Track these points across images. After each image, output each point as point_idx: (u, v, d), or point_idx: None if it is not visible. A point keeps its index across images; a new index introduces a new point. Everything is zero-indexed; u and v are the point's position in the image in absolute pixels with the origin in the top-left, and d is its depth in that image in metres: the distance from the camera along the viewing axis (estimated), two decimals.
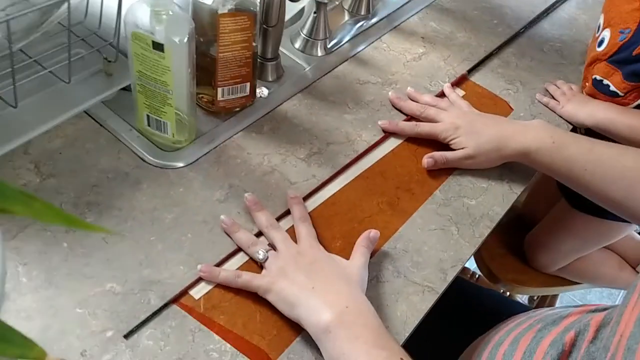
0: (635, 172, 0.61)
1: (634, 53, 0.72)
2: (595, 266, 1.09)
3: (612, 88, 0.76)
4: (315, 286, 0.51)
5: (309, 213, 0.61)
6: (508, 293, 1.12)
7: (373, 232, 0.58)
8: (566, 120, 0.80)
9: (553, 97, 0.82)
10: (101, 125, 0.65)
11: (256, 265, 0.56)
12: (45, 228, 0.55)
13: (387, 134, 0.72)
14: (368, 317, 0.49)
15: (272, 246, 0.57)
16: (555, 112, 0.80)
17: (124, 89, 0.67)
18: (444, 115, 0.71)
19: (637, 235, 1.18)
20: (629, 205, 0.62)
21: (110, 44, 0.67)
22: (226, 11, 0.60)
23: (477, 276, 1.22)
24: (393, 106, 0.75)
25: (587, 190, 0.65)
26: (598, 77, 0.78)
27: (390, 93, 0.76)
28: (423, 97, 0.76)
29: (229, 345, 0.51)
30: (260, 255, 0.55)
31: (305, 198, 0.63)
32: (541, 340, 0.53)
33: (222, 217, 0.58)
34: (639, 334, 0.38)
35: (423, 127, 0.71)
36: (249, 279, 0.54)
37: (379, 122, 0.72)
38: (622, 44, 0.74)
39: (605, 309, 0.55)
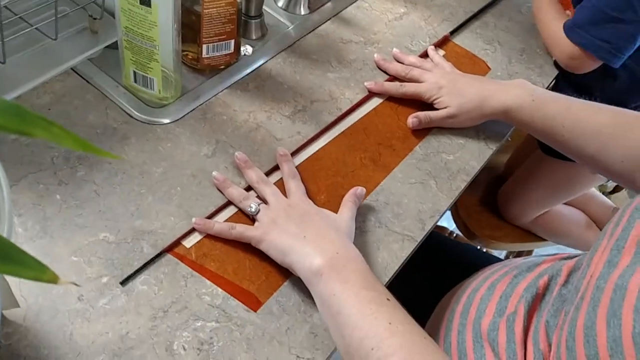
0: (609, 128, 0.64)
1: None
2: (565, 223, 1.14)
3: None
4: (306, 235, 0.54)
5: (296, 167, 0.63)
6: (485, 249, 1.17)
7: (360, 189, 0.61)
8: None
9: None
10: (88, 82, 0.66)
11: (246, 218, 0.59)
12: (37, 181, 0.57)
13: (370, 93, 0.74)
14: (357, 262, 0.52)
15: (263, 200, 0.59)
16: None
17: (109, 46, 0.67)
18: (427, 75, 0.73)
19: (605, 197, 1.23)
20: (602, 159, 0.65)
21: (94, 2, 0.68)
22: None
23: (454, 235, 1.27)
24: (378, 67, 0.77)
25: (565, 146, 0.68)
26: None
27: (375, 55, 0.78)
28: (408, 58, 0.78)
29: (220, 289, 0.54)
30: (253, 209, 0.57)
31: (292, 154, 0.65)
32: (516, 285, 0.57)
33: (214, 173, 0.60)
34: (607, 274, 0.41)
35: (408, 88, 0.73)
36: (242, 230, 0.56)
37: (365, 83, 0.74)
38: None
39: (576, 256, 0.59)
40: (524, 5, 0.94)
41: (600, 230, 1.19)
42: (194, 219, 0.56)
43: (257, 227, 0.56)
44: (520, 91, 0.69)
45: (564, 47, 0.81)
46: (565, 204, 1.14)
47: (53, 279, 0.28)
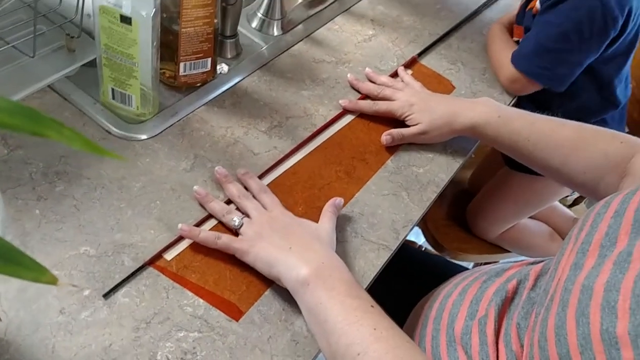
0: (572, 142, 0.68)
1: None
2: (530, 236, 1.19)
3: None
4: (292, 246, 0.55)
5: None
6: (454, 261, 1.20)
7: (338, 200, 0.63)
8: None
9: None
10: (66, 99, 0.66)
11: (229, 232, 0.59)
12: (16, 197, 0.57)
13: (344, 110, 0.76)
14: (342, 271, 0.54)
15: (245, 214, 0.60)
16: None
17: (86, 64, 0.68)
18: (399, 94, 0.77)
19: (567, 209, 1.29)
20: (566, 171, 0.68)
21: (71, 21, 0.69)
22: None
23: (424, 249, 1.30)
24: (352, 87, 0.80)
25: (530, 160, 0.71)
26: None
27: (348, 75, 0.81)
28: (380, 78, 0.81)
29: (201, 300, 0.54)
30: (236, 222, 0.58)
31: (269, 168, 0.66)
32: (486, 290, 0.59)
33: (195, 187, 0.61)
34: (574, 276, 0.44)
35: (380, 105, 0.76)
36: (228, 241, 0.57)
37: (340, 102, 0.77)
38: None
39: (542, 261, 0.62)
40: (485, 28, 0.99)
41: (563, 240, 1.24)
42: (180, 225, 0.57)
43: (243, 239, 0.57)
44: (487, 108, 0.72)
45: (506, 72, 0.87)
46: (530, 217, 1.19)
47: (52, 281, 0.29)
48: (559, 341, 0.41)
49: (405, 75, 0.83)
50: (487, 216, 1.12)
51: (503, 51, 0.90)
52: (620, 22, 0.81)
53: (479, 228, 1.13)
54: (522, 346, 0.51)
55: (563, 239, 1.24)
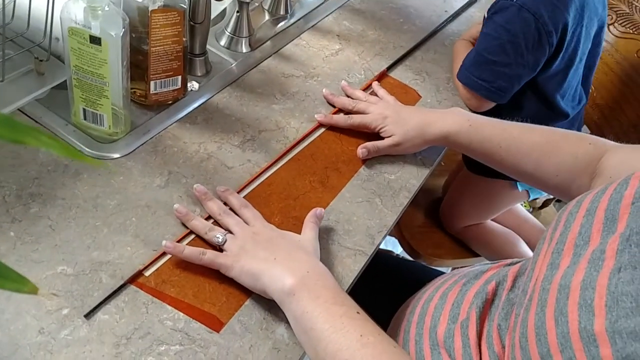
0: (542, 146, 0.70)
1: None
2: (491, 237, 1.21)
3: None
4: (276, 257, 0.56)
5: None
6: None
7: (319, 210, 0.64)
8: None
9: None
10: (37, 122, 0.66)
11: (208, 247, 0.60)
12: None
13: (318, 124, 0.78)
14: (327, 279, 0.55)
15: (228, 231, 0.61)
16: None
17: (56, 87, 0.68)
18: (373, 107, 0.79)
19: (538, 221, 1.31)
20: (539, 175, 0.70)
21: (39, 45, 0.69)
22: (157, 7, 0.64)
23: (401, 257, 1.32)
24: (327, 101, 0.82)
25: (502, 165, 0.73)
26: None
27: (324, 90, 0.83)
28: (355, 92, 0.83)
29: (181, 314, 0.55)
30: (220, 239, 0.59)
31: (248, 184, 0.67)
32: (466, 293, 0.60)
33: (176, 206, 0.62)
34: (551, 276, 0.44)
35: (355, 119, 0.78)
36: (212, 257, 0.57)
37: (316, 116, 0.78)
38: None
39: (519, 262, 0.63)
40: (447, 39, 1.03)
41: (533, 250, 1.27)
42: (164, 242, 0.57)
43: (227, 255, 0.58)
44: (458, 117, 0.74)
45: (461, 90, 0.90)
46: (501, 224, 1.22)
47: (33, 290, 0.30)
48: (539, 341, 0.41)
49: (380, 89, 0.86)
50: (451, 211, 1.18)
51: None
52: (555, 38, 0.84)
53: (448, 223, 1.18)
54: (503, 347, 0.51)
55: (532, 249, 1.27)
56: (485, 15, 0.90)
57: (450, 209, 1.18)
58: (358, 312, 0.52)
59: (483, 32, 0.88)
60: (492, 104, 0.90)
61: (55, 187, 0.61)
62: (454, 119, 0.75)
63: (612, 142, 0.67)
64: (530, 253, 1.21)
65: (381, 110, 0.78)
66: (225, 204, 0.64)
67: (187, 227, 0.61)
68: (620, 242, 0.41)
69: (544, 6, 0.82)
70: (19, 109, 0.66)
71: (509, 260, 0.66)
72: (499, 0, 0.86)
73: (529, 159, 0.70)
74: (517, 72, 0.86)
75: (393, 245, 1.46)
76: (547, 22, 0.82)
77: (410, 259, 1.17)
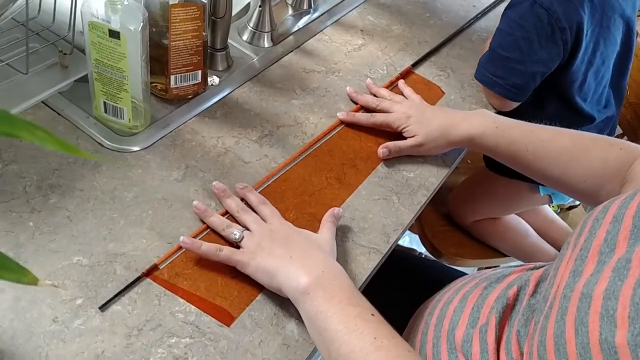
0: (571, 150, 0.67)
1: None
2: (504, 233, 1.18)
3: None
4: (292, 256, 0.56)
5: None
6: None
7: (337, 210, 0.64)
8: None
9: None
10: (59, 114, 0.68)
11: (223, 241, 0.60)
12: (10, 210, 0.58)
13: (339, 122, 0.77)
14: (342, 279, 0.54)
15: (245, 227, 0.61)
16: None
17: (79, 80, 0.70)
18: (397, 107, 0.77)
19: (564, 222, 1.27)
20: (566, 180, 0.68)
21: (64, 39, 0.70)
22: (177, 2, 0.64)
23: (423, 256, 1.30)
24: (350, 99, 0.81)
25: (528, 169, 0.71)
26: None
27: (348, 88, 0.82)
28: (380, 91, 0.82)
29: (193, 307, 0.55)
30: (237, 236, 0.59)
31: (264, 180, 0.67)
32: (487, 297, 0.59)
33: (195, 202, 0.62)
34: (573, 283, 0.43)
35: (378, 117, 0.77)
36: (229, 254, 0.57)
37: (338, 115, 0.77)
38: None
39: (542, 267, 0.61)
40: (474, 34, 1.00)
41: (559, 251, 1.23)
42: (181, 238, 0.58)
43: (244, 251, 0.58)
44: (484, 119, 0.72)
45: (482, 87, 0.88)
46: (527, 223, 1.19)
47: (33, 281, 0.30)
48: (557, 350, 0.40)
49: (406, 87, 0.84)
50: (465, 206, 1.15)
51: None
52: (570, 36, 0.82)
53: (454, 213, 1.16)
54: (522, 354, 0.50)
55: (558, 251, 1.24)
56: None
57: (464, 203, 1.16)
58: (373, 314, 0.51)
59: (498, 28, 0.86)
60: (515, 104, 0.88)
61: (74, 178, 0.62)
62: (480, 120, 0.73)
63: None
64: (545, 247, 1.18)
65: (405, 110, 0.76)
66: (243, 200, 0.64)
67: (203, 222, 0.61)
68: None
69: (557, 2, 0.80)
70: (42, 102, 0.68)
71: (532, 264, 0.64)
72: None
73: (557, 162, 0.68)
74: (531, 69, 0.84)
75: (418, 244, 1.44)
76: (560, 18, 0.80)
77: (433, 258, 1.15)
